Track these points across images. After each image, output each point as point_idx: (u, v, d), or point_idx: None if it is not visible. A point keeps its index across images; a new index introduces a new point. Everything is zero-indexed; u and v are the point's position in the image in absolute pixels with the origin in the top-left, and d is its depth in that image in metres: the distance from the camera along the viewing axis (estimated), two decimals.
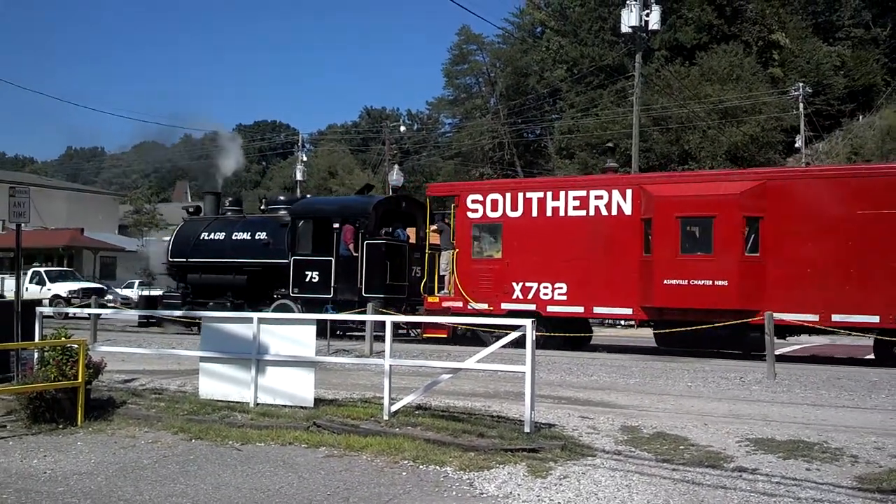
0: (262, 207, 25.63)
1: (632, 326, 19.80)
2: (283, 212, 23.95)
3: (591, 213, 18.49)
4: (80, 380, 9.84)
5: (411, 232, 23.44)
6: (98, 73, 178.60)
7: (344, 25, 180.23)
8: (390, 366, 9.77)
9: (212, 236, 24.55)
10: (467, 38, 68.21)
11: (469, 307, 19.32)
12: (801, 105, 46.83)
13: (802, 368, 15.22)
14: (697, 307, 16.70)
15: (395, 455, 8.10)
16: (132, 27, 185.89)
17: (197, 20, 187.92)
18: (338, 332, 21.30)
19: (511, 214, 19.35)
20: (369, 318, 16.30)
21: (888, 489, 6.87)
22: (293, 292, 22.30)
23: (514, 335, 9.40)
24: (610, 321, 25.33)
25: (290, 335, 10.46)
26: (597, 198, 18.45)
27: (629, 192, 18.15)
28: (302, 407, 10.12)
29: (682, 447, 8.46)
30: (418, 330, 22.13)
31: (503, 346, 9.48)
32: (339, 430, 9.09)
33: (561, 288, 18.59)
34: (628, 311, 18.15)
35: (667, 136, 47.20)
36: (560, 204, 18.85)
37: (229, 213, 26.16)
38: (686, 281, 16.95)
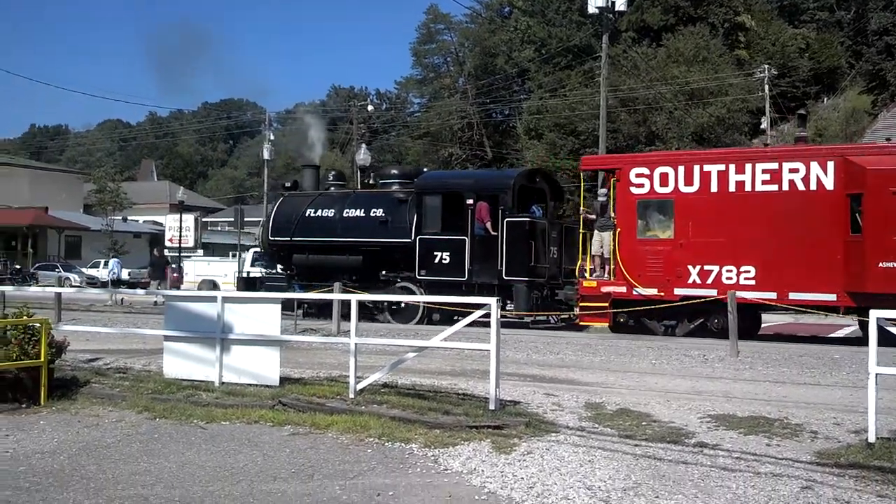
0: (371, 182, 23.82)
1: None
2: (396, 186, 22.44)
3: (785, 187, 16.87)
4: (42, 359, 9.74)
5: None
6: (58, 49, 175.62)
7: (311, 3, 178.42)
8: (356, 344, 9.77)
9: (319, 213, 22.72)
10: (435, 17, 68.11)
11: (634, 293, 17.80)
12: (767, 87, 47.17)
13: (765, 346, 15.39)
14: None
15: (361, 433, 8.11)
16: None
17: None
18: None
19: (684, 189, 17.69)
20: (336, 297, 16.28)
21: (845, 464, 7.00)
22: (420, 274, 20.63)
23: (478, 313, 9.45)
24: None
25: (254, 314, 10.42)
26: (791, 171, 16.80)
27: (831, 165, 16.48)
28: (267, 386, 10.10)
29: (644, 423, 8.55)
30: (556, 317, 20.74)
31: (468, 325, 9.50)
32: (304, 409, 9.09)
33: (748, 271, 16.94)
34: (831, 297, 16.23)
35: (634, 117, 47.37)
36: (746, 178, 17.16)
37: (332, 189, 24.21)
38: None
